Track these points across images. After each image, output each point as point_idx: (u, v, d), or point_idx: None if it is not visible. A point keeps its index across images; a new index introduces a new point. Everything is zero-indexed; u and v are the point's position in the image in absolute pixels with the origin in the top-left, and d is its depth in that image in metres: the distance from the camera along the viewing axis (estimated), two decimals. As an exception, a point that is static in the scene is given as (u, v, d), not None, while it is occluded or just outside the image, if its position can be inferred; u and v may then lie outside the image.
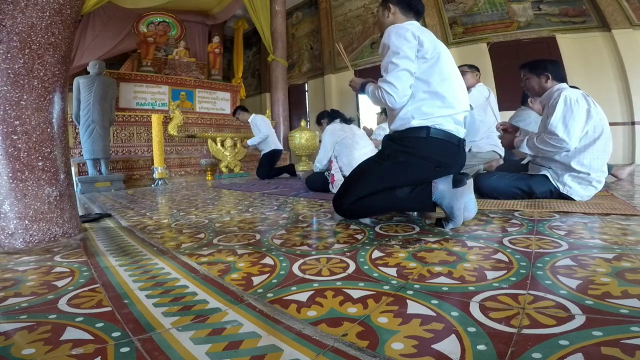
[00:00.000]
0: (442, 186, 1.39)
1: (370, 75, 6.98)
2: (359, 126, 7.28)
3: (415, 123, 1.39)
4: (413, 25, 1.44)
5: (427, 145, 1.39)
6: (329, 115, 3.08)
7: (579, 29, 5.18)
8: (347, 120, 2.98)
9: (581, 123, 1.80)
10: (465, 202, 1.38)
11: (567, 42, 5.22)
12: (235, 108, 5.25)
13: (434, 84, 1.38)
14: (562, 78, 1.97)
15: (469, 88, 2.83)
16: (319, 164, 2.90)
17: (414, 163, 1.42)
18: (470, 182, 1.40)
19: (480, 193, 2.04)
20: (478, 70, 3.04)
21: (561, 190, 1.90)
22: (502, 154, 2.91)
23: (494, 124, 2.69)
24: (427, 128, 1.38)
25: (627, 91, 4.84)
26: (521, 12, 5.54)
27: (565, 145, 1.80)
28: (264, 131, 4.74)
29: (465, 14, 5.94)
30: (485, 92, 2.88)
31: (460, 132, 1.47)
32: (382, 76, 1.45)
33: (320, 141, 3.13)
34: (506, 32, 5.68)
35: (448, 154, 1.43)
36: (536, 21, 5.46)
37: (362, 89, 1.60)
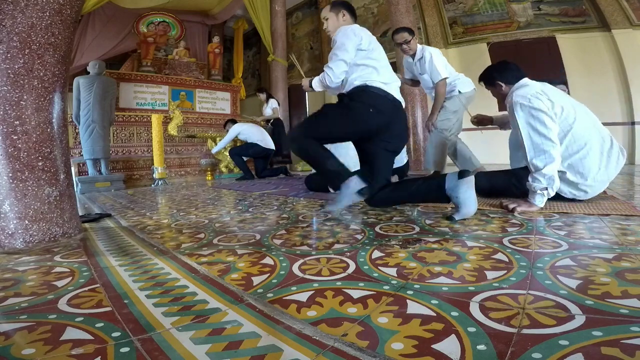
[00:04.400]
0: (451, 182, 1.57)
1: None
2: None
3: (357, 83, 1.80)
4: (355, 26, 1.87)
5: (364, 93, 1.77)
6: None
7: (579, 29, 5.18)
8: None
9: (550, 121, 1.68)
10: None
11: (567, 42, 5.22)
12: (226, 121, 5.35)
13: (371, 63, 1.81)
14: (515, 77, 1.88)
15: (415, 53, 2.97)
16: None
17: (353, 107, 1.77)
18: (472, 179, 1.53)
19: (478, 190, 2.03)
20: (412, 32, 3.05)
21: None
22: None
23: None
24: (366, 84, 1.78)
25: (627, 91, 4.84)
26: (521, 12, 5.55)
27: (553, 149, 1.64)
28: (225, 138, 4.89)
29: (465, 14, 5.94)
30: (436, 51, 2.94)
31: (396, 95, 1.83)
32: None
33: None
34: (506, 32, 5.69)
35: (382, 102, 1.77)
36: (536, 21, 5.46)
37: (311, 86, 1.94)
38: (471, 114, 2.54)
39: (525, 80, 1.86)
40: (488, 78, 2.00)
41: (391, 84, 1.83)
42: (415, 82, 3.32)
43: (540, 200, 1.69)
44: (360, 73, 1.79)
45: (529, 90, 1.75)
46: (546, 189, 1.66)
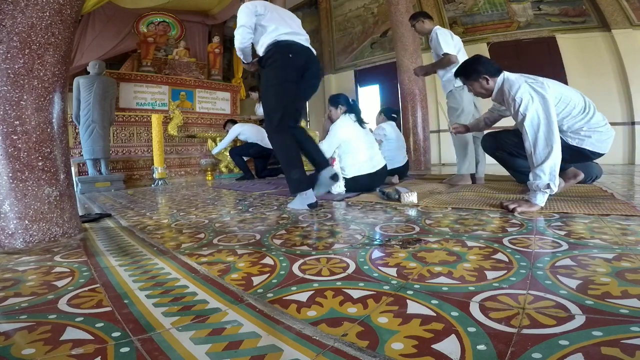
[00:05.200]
0: (322, 176, 2.15)
1: (370, 73, 6.94)
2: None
3: (267, 41, 2.15)
4: (252, 2, 2.19)
5: (277, 46, 2.13)
6: (348, 104, 2.81)
7: (579, 29, 5.18)
8: (361, 122, 2.78)
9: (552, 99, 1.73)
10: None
11: (567, 42, 5.22)
12: (226, 121, 5.31)
13: (272, 24, 2.16)
14: (498, 69, 1.92)
15: (428, 33, 3.01)
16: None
17: (275, 60, 2.12)
18: (331, 181, 2.17)
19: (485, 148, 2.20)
20: (423, 16, 3.14)
21: (571, 143, 1.89)
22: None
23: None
24: (274, 40, 2.14)
25: (627, 91, 4.84)
26: (521, 12, 5.55)
27: (555, 143, 1.66)
28: (225, 139, 4.87)
29: (465, 14, 5.95)
30: (442, 30, 2.95)
31: (304, 43, 2.21)
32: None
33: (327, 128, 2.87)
34: (506, 32, 5.69)
35: (294, 47, 2.15)
36: (536, 21, 5.46)
37: (246, 62, 2.33)
38: (450, 125, 2.58)
39: (508, 73, 1.88)
40: (472, 72, 1.96)
41: (298, 35, 2.22)
42: None
43: (541, 199, 1.68)
44: (267, 34, 2.17)
45: (525, 82, 1.75)
46: (548, 186, 1.65)
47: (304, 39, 2.23)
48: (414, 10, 5.75)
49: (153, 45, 6.39)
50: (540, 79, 1.80)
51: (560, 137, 1.82)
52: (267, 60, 2.15)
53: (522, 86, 1.73)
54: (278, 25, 2.16)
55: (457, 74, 2.09)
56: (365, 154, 2.67)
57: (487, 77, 1.91)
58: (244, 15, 2.13)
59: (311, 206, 2.07)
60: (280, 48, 2.12)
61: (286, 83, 2.11)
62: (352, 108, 2.80)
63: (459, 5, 5.98)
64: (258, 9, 2.16)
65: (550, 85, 1.76)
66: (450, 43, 2.86)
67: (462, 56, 2.91)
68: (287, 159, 2.12)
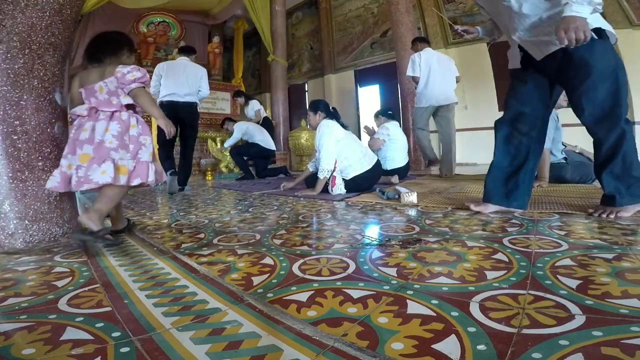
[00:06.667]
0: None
1: (371, 73, 6.93)
2: (359, 126, 7.29)
3: (158, 100, 3.27)
4: (159, 65, 3.44)
5: (159, 105, 3.07)
6: (327, 110, 2.82)
7: (579, 29, 5.17)
8: (344, 126, 2.82)
9: None
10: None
11: (567, 42, 5.21)
12: (223, 119, 5.29)
13: (163, 87, 3.33)
14: None
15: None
16: (327, 167, 2.59)
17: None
18: (173, 178, 3.25)
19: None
20: (417, 40, 3.82)
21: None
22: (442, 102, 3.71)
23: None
24: (159, 100, 3.29)
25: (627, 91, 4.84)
26: (521, 12, 5.54)
27: None
28: (235, 135, 4.86)
29: (465, 14, 5.94)
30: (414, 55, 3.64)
31: (178, 99, 3.33)
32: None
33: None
34: (506, 32, 5.67)
35: (167, 107, 3.20)
36: (536, 21, 5.45)
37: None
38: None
39: None
40: None
41: (176, 93, 3.33)
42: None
43: (585, 10, 1.27)
44: (160, 94, 3.33)
45: None
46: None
47: (183, 95, 3.33)
48: (414, 10, 5.77)
49: (153, 45, 6.40)
50: None
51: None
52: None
53: None
54: (167, 89, 3.27)
55: None
56: (358, 151, 2.71)
57: None
58: (153, 75, 3.22)
59: (172, 174, 3.24)
60: (160, 106, 2.97)
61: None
62: (332, 114, 2.82)
63: (459, 5, 5.97)
64: (159, 71, 3.34)
65: None
66: (414, 65, 3.61)
67: (437, 65, 3.62)
68: (162, 158, 3.38)
